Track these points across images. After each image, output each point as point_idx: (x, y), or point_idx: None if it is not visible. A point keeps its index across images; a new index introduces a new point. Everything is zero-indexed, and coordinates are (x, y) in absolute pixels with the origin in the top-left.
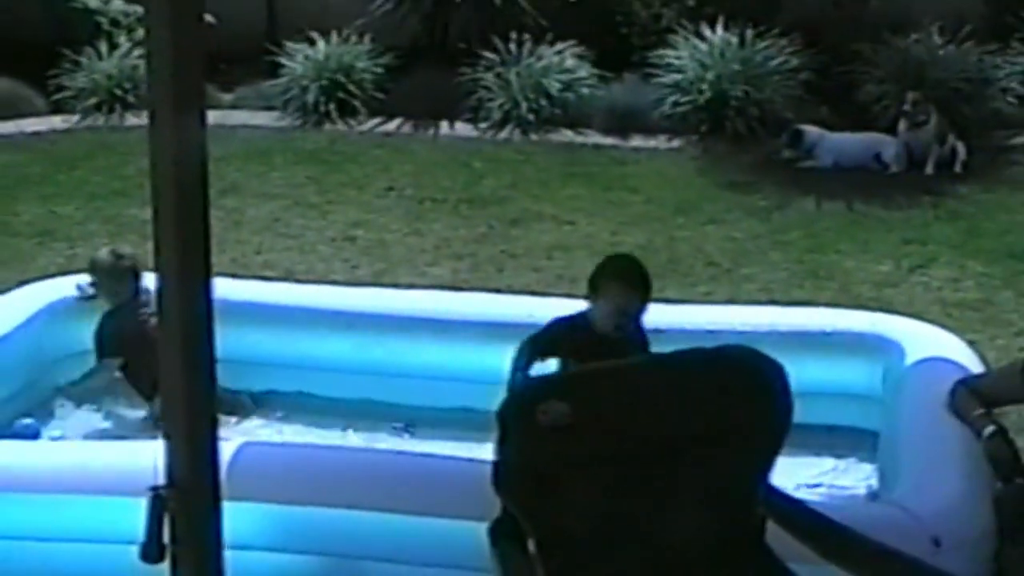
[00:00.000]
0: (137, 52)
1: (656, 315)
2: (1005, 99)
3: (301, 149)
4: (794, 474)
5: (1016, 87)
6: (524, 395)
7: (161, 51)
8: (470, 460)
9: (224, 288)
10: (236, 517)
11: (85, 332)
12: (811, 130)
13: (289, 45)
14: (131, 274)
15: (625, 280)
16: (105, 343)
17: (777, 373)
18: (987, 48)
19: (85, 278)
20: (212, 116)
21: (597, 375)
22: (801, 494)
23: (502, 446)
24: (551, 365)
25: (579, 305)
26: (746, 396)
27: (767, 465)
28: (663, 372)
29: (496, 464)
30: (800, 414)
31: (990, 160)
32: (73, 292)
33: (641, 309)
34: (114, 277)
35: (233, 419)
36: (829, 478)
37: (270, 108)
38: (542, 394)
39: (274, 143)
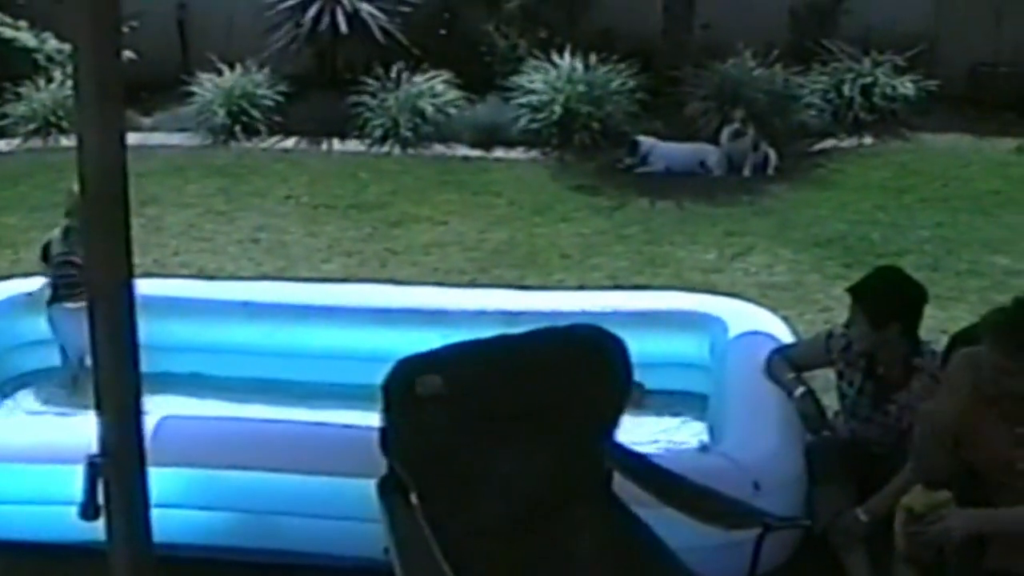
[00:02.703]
0: (69, 84)
1: (516, 300)
2: (809, 113)
3: (211, 164)
4: (637, 432)
5: (818, 102)
6: (404, 370)
7: (86, 83)
8: (360, 427)
9: (148, 286)
10: (161, 481)
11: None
12: (646, 141)
13: (200, 75)
14: None
15: None
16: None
17: (619, 347)
18: (793, 69)
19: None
20: (134, 138)
21: (466, 352)
22: (643, 448)
23: (387, 414)
24: None
25: (453, 292)
26: (592, 367)
27: (612, 425)
28: (522, 348)
29: (382, 430)
30: (642, 381)
31: (797, 164)
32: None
33: None
34: None
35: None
36: (667, 435)
37: (184, 130)
38: (419, 368)
39: (188, 160)
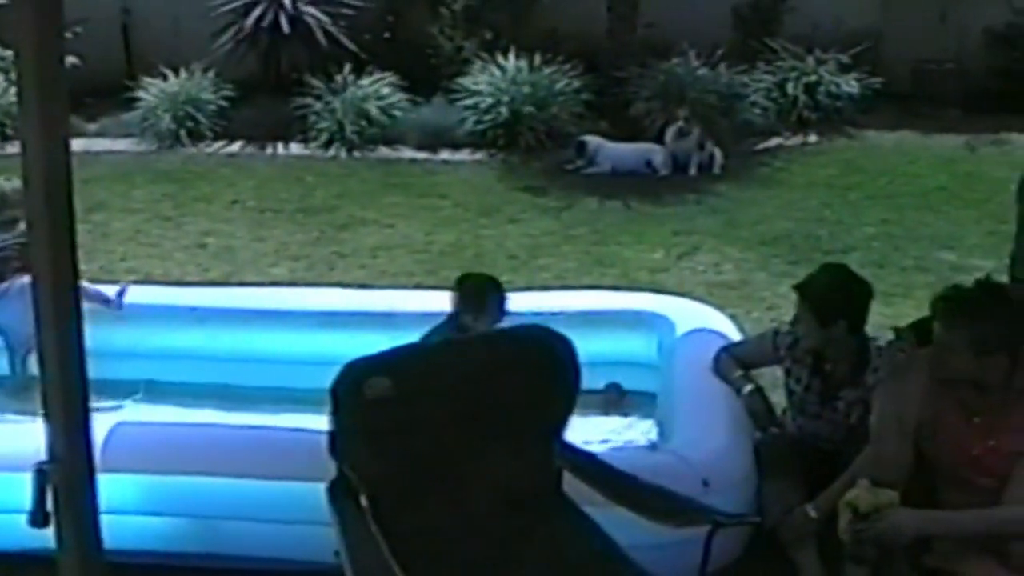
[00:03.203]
0: (13, 90)
1: None
2: (753, 111)
3: (157, 170)
4: (587, 431)
5: (762, 101)
6: (352, 373)
7: (30, 88)
8: (309, 431)
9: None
10: (114, 487)
11: None
12: (592, 141)
13: (145, 80)
14: None
15: None
16: None
17: (567, 347)
18: (737, 69)
19: None
20: (79, 144)
21: (414, 354)
22: (593, 448)
23: (335, 417)
24: None
25: (401, 295)
26: (541, 368)
27: (562, 425)
28: (470, 349)
29: (331, 433)
30: (590, 381)
31: (743, 163)
32: None
33: None
34: None
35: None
36: (616, 433)
37: (129, 135)
38: (367, 371)
39: (134, 165)
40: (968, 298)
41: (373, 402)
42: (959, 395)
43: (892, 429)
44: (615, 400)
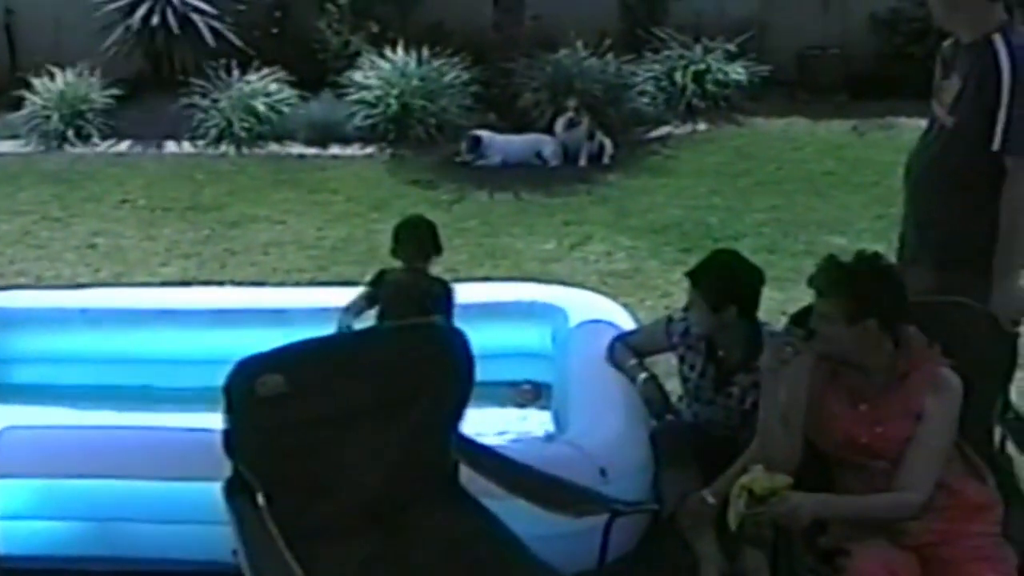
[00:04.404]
0: None
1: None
2: (642, 101)
3: (45, 171)
4: (483, 424)
5: (651, 90)
6: (244, 371)
7: None
8: (203, 430)
9: None
10: (6, 493)
11: None
12: (482, 134)
13: (31, 80)
14: None
15: None
16: None
17: (460, 340)
18: (625, 58)
19: None
20: None
21: (307, 350)
22: (489, 440)
23: (229, 416)
24: None
25: (293, 291)
26: (433, 361)
27: (457, 418)
28: (363, 344)
29: (225, 432)
30: (484, 373)
31: (632, 152)
32: None
33: None
34: None
35: None
36: (513, 425)
37: (15, 136)
38: (260, 369)
39: (21, 167)
40: (839, 266)
41: (266, 399)
42: (845, 382)
43: (777, 420)
44: (531, 395)
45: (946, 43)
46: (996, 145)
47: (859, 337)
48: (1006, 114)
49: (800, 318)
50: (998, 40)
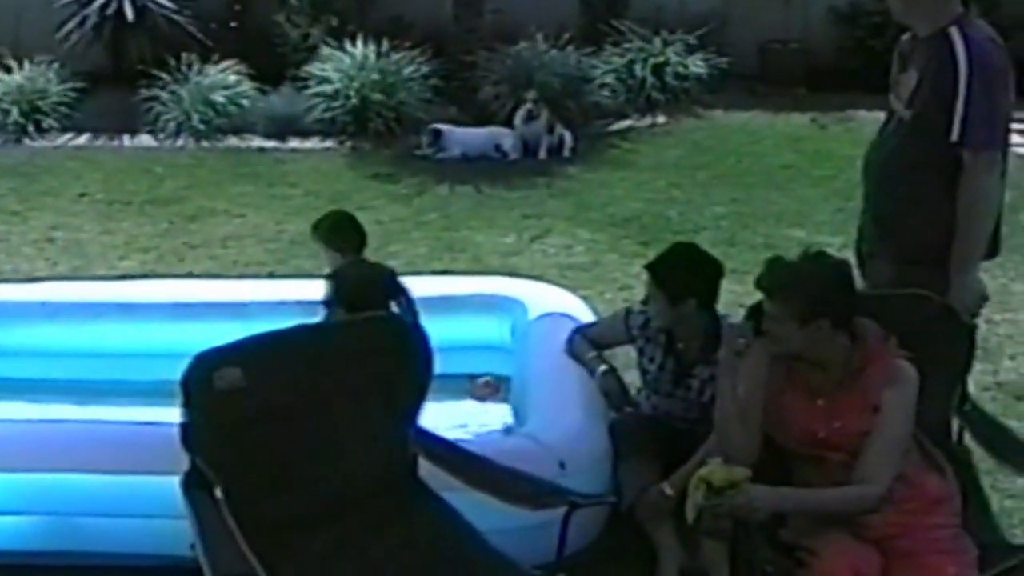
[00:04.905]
0: None
1: (315, 290)
2: (602, 94)
3: (3, 164)
4: (443, 417)
5: (611, 83)
6: (202, 364)
7: None
8: (162, 423)
9: None
10: None
11: None
12: (442, 127)
13: None
14: None
15: None
16: None
17: (418, 334)
18: (585, 51)
19: None
20: None
21: (264, 343)
22: (449, 433)
23: (187, 409)
24: None
25: (252, 284)
26: (392, 354)
27: (415, 411)
28: (321, 337)
29: (183, 425)
30: (444, 366)
31: (592, 145)
32: None
33: None
34: None
35: None
36: (473, 418)
37: None
38: (217, 362)
39: None
40: (786, 267)
41: (224, 393)
42: (803, 378)
43: (735, 413)
44: (487, 390)
45: (904, 37)
46: (954, 137)
47: (812, 336)
48: (963, 107)
49: (756, 311)
50: (955, 33)
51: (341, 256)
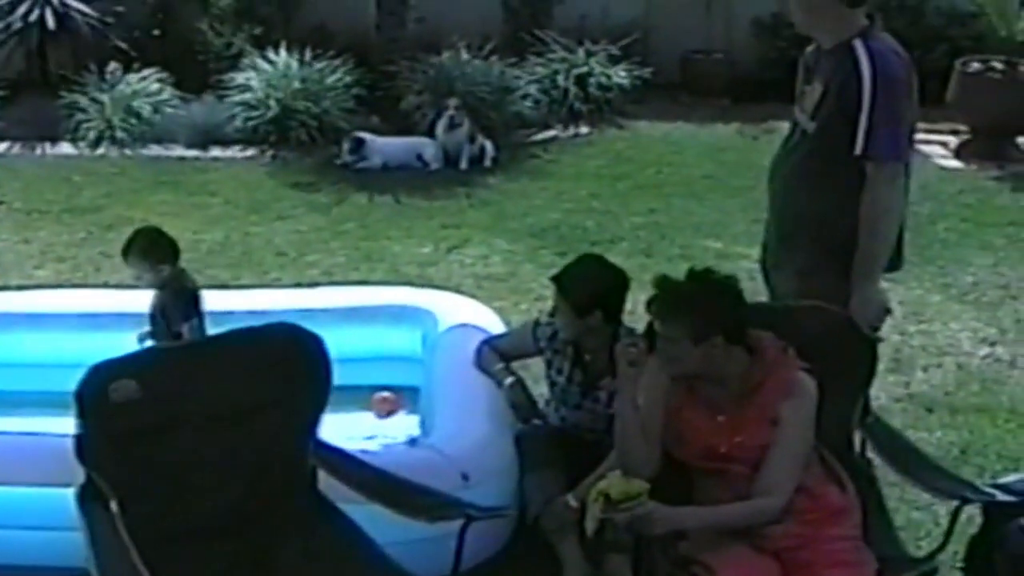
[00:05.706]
0: None
1: (227, 300)
2: (524, 104)
3: None
4: (351, 428)
5: (534, 93)
6: (97, 376)
7: None
8: (57, 435)
9: None
10: None
11: None
12: (364, 136)
13: None
14: None
15: None
16: None
17: (316, 344)
18: (508, 61)
19: None
20: None
21: (161, 355)
22: (355, 446)
23: (81, 421)
24: None
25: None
26: (289, 365)
27: (314, 423)
28: (218, 349)
29: (77, 437)
30: (351, 377)
31: (514, 155)
32: None
33: None
34: None
35: None
36: (380, 430)
37: None
38: (113, 374)
39: None
40: (674, 289)
41: (119, 405)
42: (702, 395)
43: (634, 425)
44: (388, 405)
45: (808, 49)
46: (857, 149)
47: (708, 354)
48: (867, 119)
49: (650, 331)
50: (859, 45)
51: (161, 270)
